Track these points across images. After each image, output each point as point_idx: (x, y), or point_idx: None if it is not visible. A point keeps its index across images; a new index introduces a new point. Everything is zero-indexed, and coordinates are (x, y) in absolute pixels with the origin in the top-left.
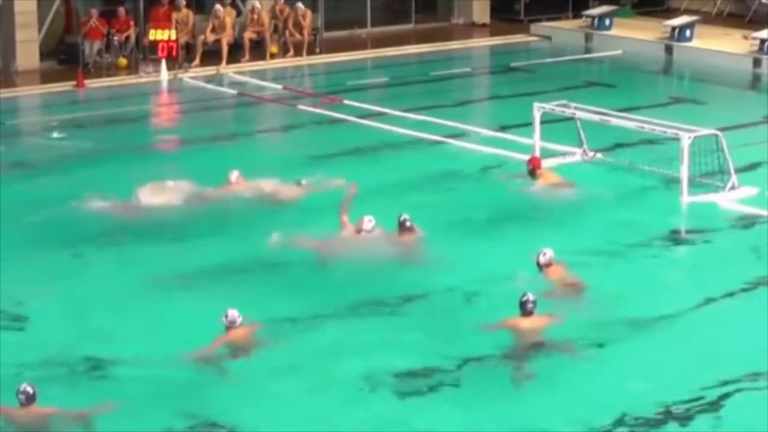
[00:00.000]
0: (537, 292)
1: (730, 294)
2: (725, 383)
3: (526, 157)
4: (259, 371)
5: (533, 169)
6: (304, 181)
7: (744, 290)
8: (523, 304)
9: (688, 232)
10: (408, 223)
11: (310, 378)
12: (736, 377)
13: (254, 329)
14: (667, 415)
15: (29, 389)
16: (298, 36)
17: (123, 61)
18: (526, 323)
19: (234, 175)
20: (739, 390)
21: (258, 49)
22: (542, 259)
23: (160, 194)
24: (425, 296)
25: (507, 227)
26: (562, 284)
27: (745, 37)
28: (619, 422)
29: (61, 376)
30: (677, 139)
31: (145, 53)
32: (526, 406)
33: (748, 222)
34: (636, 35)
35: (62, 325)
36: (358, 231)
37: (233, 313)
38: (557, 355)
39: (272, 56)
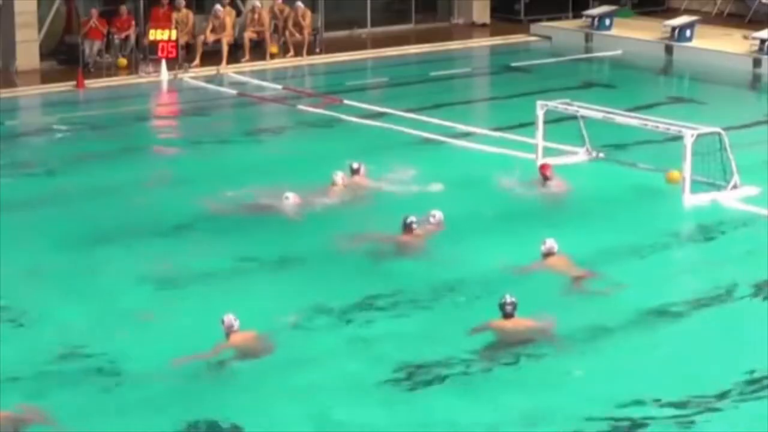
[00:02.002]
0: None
1: (732, 295)
2: (725, 385)
3: (538, 163)
4: (262, 375)
5: (545, 178)
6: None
7: (746, 291)
8: (501, 307)
9: (689, 231)
10: (414, 226)
11: (314, 379)
12: (736, 379)
13: (254, 334)
14: (670, 417)
15: None
16: (298, 36)
17: (123, 61)
18: (509, 325)
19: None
20: (740, 392)
21: (258, 49)
22: (542, 248)
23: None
24: (428, 294)
25: (508, 228)
26: (567, 275)
27: (745, 37)
28: (616, 423)
29: (59, 378)
30: (680, 139)
31: (145, 53)
32: (521, 404)
33: (750, 221)
34: (636, 35)
35: (62, 324)
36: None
37: (230, 318)
38: (560, 354)
39: (272, 56)
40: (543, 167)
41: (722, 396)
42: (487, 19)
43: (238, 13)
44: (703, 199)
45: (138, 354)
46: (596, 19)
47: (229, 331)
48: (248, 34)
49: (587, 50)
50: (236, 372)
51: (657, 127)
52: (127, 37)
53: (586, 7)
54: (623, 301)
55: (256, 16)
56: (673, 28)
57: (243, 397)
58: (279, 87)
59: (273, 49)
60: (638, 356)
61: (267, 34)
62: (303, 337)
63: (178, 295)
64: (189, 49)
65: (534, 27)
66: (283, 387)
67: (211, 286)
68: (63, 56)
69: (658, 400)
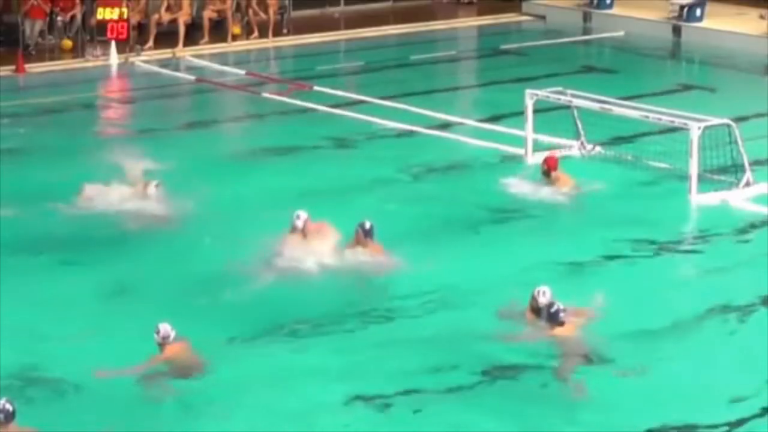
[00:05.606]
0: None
1: (742, 304)
2: (729, 394)
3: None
4: (204, 390)
5: (548, 170)
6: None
7: (757, 299)
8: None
9: (696, 234)
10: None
11: (256, 397)
12: (743, 390)
13: (188, 344)
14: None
15: (8, 406)
16: (263, 15)
17: (68, 43)
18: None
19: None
20: (746, 400)
21: (218, 30)
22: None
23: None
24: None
25: (498, 229)
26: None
27: (762, 17)
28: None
29: None
30: (685, 130)
31: (92, 34)
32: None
33: (763, 223)
34: (640, 14)
35: None
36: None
37: (165, 327)
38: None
39: (234, 38)
40: (548, 161)
41: (728, 406)
42: None
43: None
44: (712, 198)
45: (68, 372)
46: None
47: (164, 343)
48: (208, 13)
49: (586, 31)
50: (174, 388)
51: (659, 119)
52: (72, 17)
53: None
54: (623, 313)
55: None
56: (682, 7)
57: (179, 417)
58: (242, 72)
59: (235, 29)
60: (637, 370)
61: (228, 13)
62: (240, 356)
63: (115, 309)
64: (141, 29)
65: (526, 5)
66: (225, 405)
67: (147, 301)
68: (1, 37)
69: (660, 409)
